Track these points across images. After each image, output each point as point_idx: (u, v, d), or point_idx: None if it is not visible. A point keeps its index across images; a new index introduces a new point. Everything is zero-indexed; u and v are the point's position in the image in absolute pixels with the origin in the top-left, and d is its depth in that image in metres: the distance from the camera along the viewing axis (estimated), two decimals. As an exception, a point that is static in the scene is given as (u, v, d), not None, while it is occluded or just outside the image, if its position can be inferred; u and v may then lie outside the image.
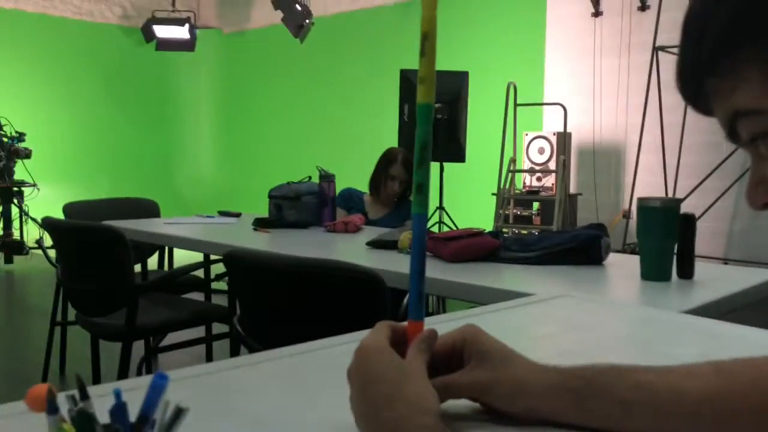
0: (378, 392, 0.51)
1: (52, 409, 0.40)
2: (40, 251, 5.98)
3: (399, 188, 3.05)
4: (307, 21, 6.53)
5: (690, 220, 1.56)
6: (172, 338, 2.77)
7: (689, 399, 0.53)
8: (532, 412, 0.56)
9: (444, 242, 1.82)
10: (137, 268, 2.77)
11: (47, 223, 2.35)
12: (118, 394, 0.41)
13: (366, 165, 3.21)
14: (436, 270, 1.66)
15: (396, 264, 1.76)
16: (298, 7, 6.49)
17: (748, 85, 0.40)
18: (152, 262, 3.24)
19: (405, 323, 0.59)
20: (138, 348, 2.61)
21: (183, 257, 2.93)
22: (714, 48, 0.40)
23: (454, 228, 4.45)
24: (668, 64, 4.92)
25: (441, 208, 4.68)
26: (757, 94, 0.39)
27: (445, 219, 4.67)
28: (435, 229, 4.46)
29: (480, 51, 6.06)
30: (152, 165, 8.45)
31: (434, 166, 4.56)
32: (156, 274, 3.14)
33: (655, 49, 4.80)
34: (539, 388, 0.56)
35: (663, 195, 4.98)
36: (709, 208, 4.73)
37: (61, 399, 0.40)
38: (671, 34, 4.94)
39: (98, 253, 2.28)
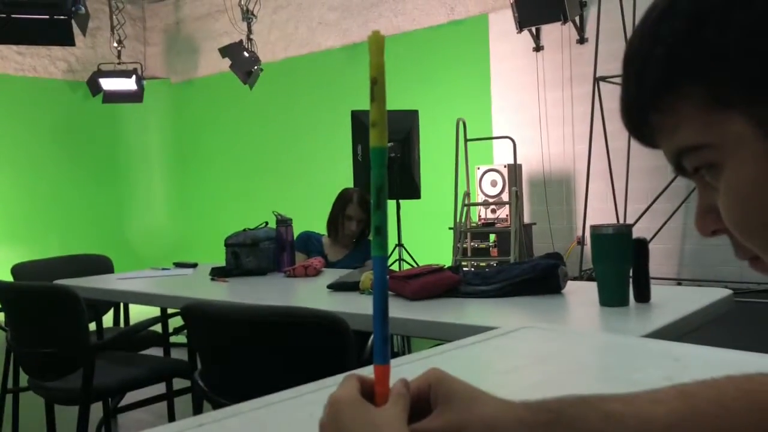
0: None
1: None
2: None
3: (357, 228, 3.05)
4: (256, 67, 6.56)
5: (643, 244, 1.60)
6: (131, 397, 2.68)
7: (656, 425, 0.54)
8: None
9: (405, 280, 1.81)
10: (92, 326, 2.69)
11: (-5, 286, 2.26)
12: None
13: (323, 207, 3.21)
14: (398, 309, 1.66)
15: (359, 306, 1.75)
16: (246, 54, 6.53)
17: (689, 121, 0.41)
18: (107, 319, 3.14)
19: (371, 370, 0.58)
20: (96, 410, 2.52)
21: (139, 313, 2.85)
22: (654, 86, 0.42)
23: (414, 264, 4.46)
24: (609, 93, 5.10)
25: (400, 245, 4.70)
26: (697, 130, 0.41)
27: (405, 256, 4.68)
28: (395, 266, 4.46)
29: (428, 90, 6.17)
30: (104, 219, 8.27)
31: (391, 204, 4.60)
32: (112, 331, 3.05)
33: (596, 80, 4.97)
34: (510, 425, 0.56)
35: (614, 220, 5.10)
36: (660, 230, 4.86)
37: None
38: (610, 64, 5.13)
39: (50, 314, 2.20)
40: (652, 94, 0.42)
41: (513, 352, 1.04)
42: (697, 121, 0.41)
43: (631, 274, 1.58)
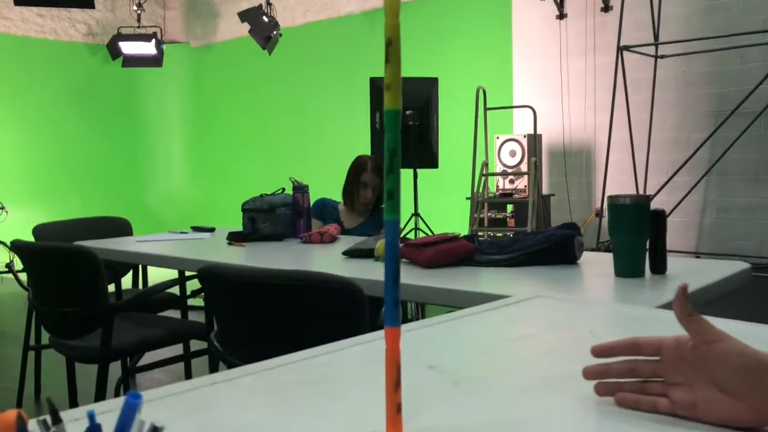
0: None
1: (23, 435, 0.39)
2: (11, 275, 5.86)
3: (372, 195, 3.05)
4: (275, 32, 6.52)
5: (660, 216, 1.58)
6: (149, 357, 2.73)
7: None
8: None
9: (419, 248, 1.82)
10: (111, 287, 2.73)
11: (16, 246, 2.30)
12: (91, 416, 0.40)
13: (339, 174, 3.21)
14: (412, 276, 1.66)
15: (373, 272, 1.75)
16: (265, 19, 6.48)
17: None
18: (126, 281, 3.19)
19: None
20: (115, 369, 2.57)
21: (157, 275, 2.89)
22: None
23: (430, 233, 4.46)
24: (633, 63, 5.01)
25: (416, 214, 4.69)
26: None
27: (421, 225, 4.68)
28: (411, 235, 4.46)
29: (448, 57, 6.10)
30: (123, 183, 8.35)
31: (408, 173, 4.59)
32: (130, 293, 3.10)
33: (620, 49, 4.88)
34: (751, 353, 0.57)
35: (633, 192, 5.05)
36: (679, 203, 4.81)
37: (34, 425, 0.39)
38: (635, 33, 5.03)
39: (70, 274, 2.24)
40: None
41: (525, 321, 1.04)
42: None
43: (647, 245, 1.57)
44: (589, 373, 0.66)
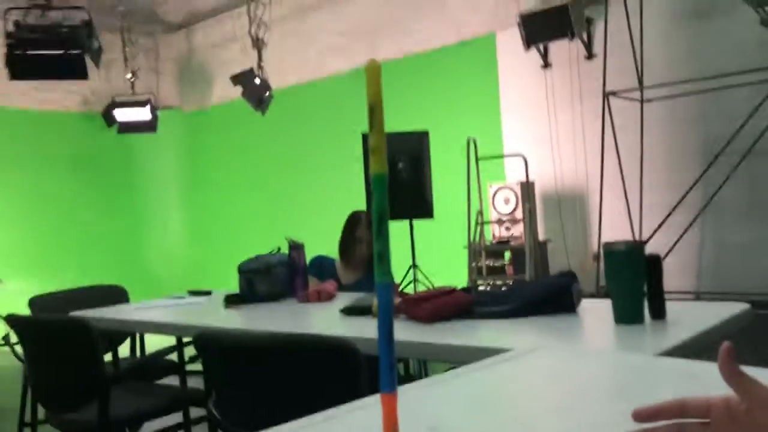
0: None
1: None
2: (6, 348, 5.79)
3: (368, 250, 3.04)
4: (267, 93, 6.63)
5: (656, 261, 1.58)
6: (149, 427, 2.67)
7: None
8: None
9: (417, 304, 1.81)
10: (108, 356, 2.69)
11: (11, 320, 2.28)
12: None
13: (335, 231, 3.21)
14: (412, 332, 1.64)
15: (372, 330, 1.74)
16: (257, 81, 6.60)
17: None
18: (123, 349, 3.15)
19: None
20: (113, 441, 2.51)
21: (155, 341, 2.86)
22: None
23: (428, 284, 4.44)
24: (619, 108, 5.09)
25: (414, 265, 4.68)
26: None
27: (419, 276, 4.67)
28: (410, 288, 4.45)
29: (438, 110, 6.19)
30: (121, 247, 8.34)
31: (404, 224, 4.60)
32: (128, 361, 3.06)
33: (605, 95, 4.96)
34: None
35: (629, 235, 5.06)
36: (676, 243, 4.81)
37: None
38: (619, 79, 5.12)
39: (66, 346, 2.21)
40: None
41: (528, 374, 1.02)
42: None
43: (645, 290, 1.56)
44: None
